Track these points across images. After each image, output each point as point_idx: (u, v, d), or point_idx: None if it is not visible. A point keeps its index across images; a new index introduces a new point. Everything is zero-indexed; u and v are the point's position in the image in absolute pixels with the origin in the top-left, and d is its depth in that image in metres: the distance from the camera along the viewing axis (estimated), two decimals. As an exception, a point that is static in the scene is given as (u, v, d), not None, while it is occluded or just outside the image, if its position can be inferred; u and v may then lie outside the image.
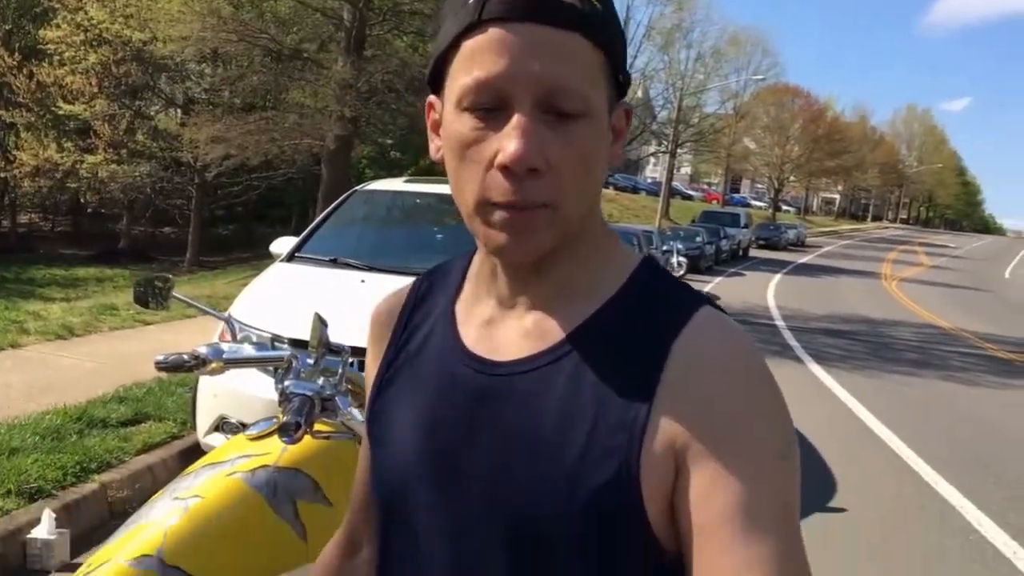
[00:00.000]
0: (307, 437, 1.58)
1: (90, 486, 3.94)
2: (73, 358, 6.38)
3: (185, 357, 1.68)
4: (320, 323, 1.53)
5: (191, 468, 1.64)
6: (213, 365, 1.70)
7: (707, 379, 0.78)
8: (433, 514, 0.86)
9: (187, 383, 5.28)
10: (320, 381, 1.55)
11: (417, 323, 0.95)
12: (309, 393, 1.50)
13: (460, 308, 0.92)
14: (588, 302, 0.85)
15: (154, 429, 4.75)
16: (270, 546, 1.54)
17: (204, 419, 4.25)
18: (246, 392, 3.93)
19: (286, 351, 1.70)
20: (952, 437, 7.06)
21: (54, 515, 3.51)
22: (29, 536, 3.45)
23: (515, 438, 0.82)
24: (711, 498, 0.74)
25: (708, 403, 0.77)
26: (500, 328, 0.88)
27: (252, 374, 3.92)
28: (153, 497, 1.60)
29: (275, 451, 1.58)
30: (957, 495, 5.48)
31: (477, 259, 0.93)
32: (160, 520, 1.48)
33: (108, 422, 4.71)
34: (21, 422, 4.50)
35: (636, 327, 0.82)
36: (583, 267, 0.86)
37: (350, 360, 1.68)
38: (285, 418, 1.46)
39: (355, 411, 1.62)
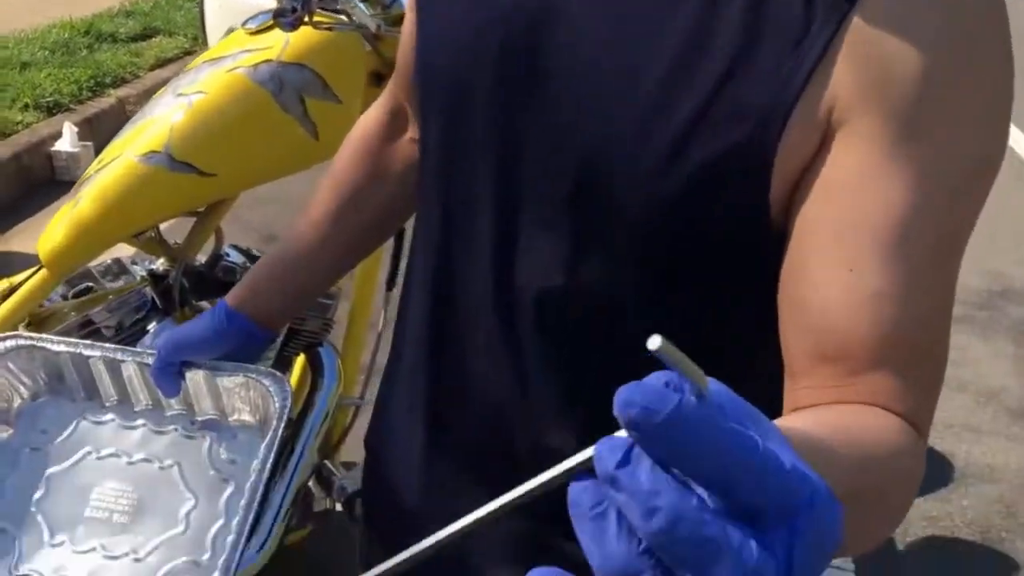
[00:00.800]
0: (309, 31, 1.47)
1: (107, 100, 3.92)
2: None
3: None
4: None
5: (192, 64, 1.56)
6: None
7: (918, 25, 0.54)
8: (484, 126, 0.67)
9: (193, -4, 5.07)
10: (317, -36, 1.41)
11: None
12: (305, -23, 1.37)
13: None
14: None
15: (165, 44, 4.63)
16: (281, 144, 1.50)
17: (214, 33, 4.10)
18: (252, 1, 3.75)
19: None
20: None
21: (75, 128, 3.52)
22: (53, 149, 3.49)
23: (610, 68, 0.59)
24: (860, 192, 0.54)
25: (905, 60, 0.53)
26: None
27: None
28: (156, 94, 1.54)
29: (277, 45, 1.48)
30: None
31: None
32: (165, 116, 1.43)
33: (117, 37, 4.59)
34: (28, 36, 4.38)
35: None
36: None
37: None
38: (280, 4, 1.34)
39: (357, 1, 1.50)
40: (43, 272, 1.41)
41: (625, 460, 0.31)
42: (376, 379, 2.10)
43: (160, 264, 1.64)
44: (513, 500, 0.33)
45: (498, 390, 0.71)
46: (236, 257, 1.70)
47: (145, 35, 4.73)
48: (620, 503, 0.31)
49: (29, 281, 1.42)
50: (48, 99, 3.73)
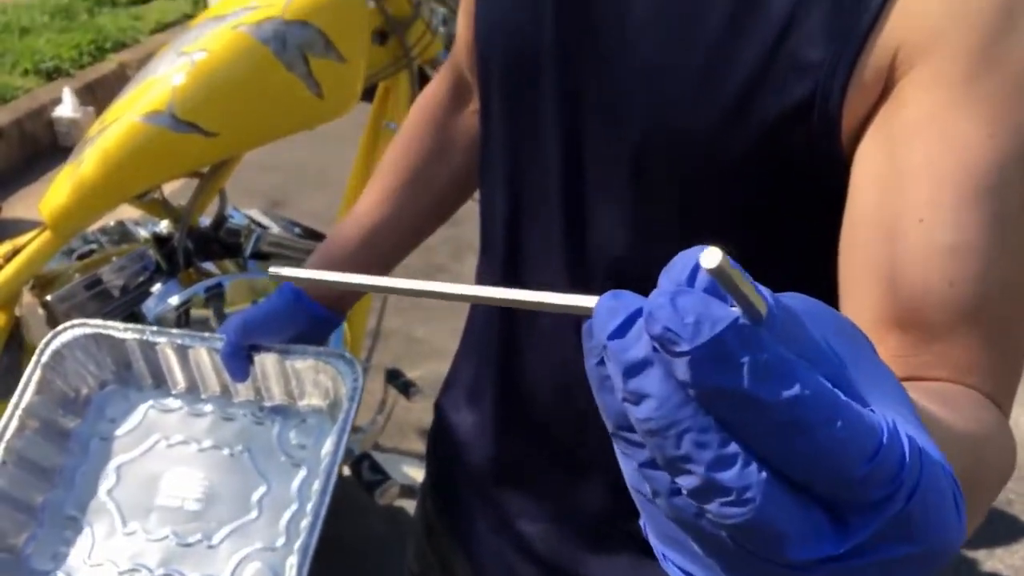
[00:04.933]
0: (312, -14, 1.46)
1: (107, 65, 3.88)
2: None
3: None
4: None
5: (194, 22, 1.54)
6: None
7: None
8: (545, 91, 0.64)
9: (193, -41, 5.00)
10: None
11: None
12: (308, -70, 1.35)
13: None
14: None
15: (166, 8, 4.59)
16: (285, 103, 1.48)
17: (215, -4, 4.08)
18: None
19: None
20: None
21: (75, 93, 3.49)
22: (55, 115, 3.46)
23: (664, 28, 0.57)
24: (931, 135, 0.48)
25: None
26: None
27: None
28: (159, 51, 1.52)
29: (280, 2, 1.46)
30: None
31: None
32: (167, 76, 1.41)
33: (117, 1, 4.55)
34: (26, 1, 4.33)
35: None
36: None
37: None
38: (284, -42, 1.33)
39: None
40: (47, 233, 1.40)
41: (621, 331, 0.26)
42: (381, 343, 2.10)
43: (164, 226, 1.63)
44: (505, 300, 0.31)
45: (573, 359, 0.70)
46: (240, 219, 1.69)
47: (145, -1, 4.69)
48: (609, 370, 0.26)
49: (33, 243, 1.41)
50: (48, 64, 3.70)
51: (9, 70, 3.61)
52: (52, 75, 3.68)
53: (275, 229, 1.70)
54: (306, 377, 0.83)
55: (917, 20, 0.49)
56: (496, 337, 0.75)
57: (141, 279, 1.51)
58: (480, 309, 0.79)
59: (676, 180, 0.58)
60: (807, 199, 0.56)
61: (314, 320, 0.86)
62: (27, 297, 1.48)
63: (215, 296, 1.49)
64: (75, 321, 0.84)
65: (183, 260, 1.54)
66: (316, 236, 1.79)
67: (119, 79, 3.87)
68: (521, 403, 0.75)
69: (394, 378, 1.95)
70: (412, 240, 0.91)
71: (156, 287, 1.50)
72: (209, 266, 1.56)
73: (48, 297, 1.43)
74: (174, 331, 0.84)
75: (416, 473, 2.02)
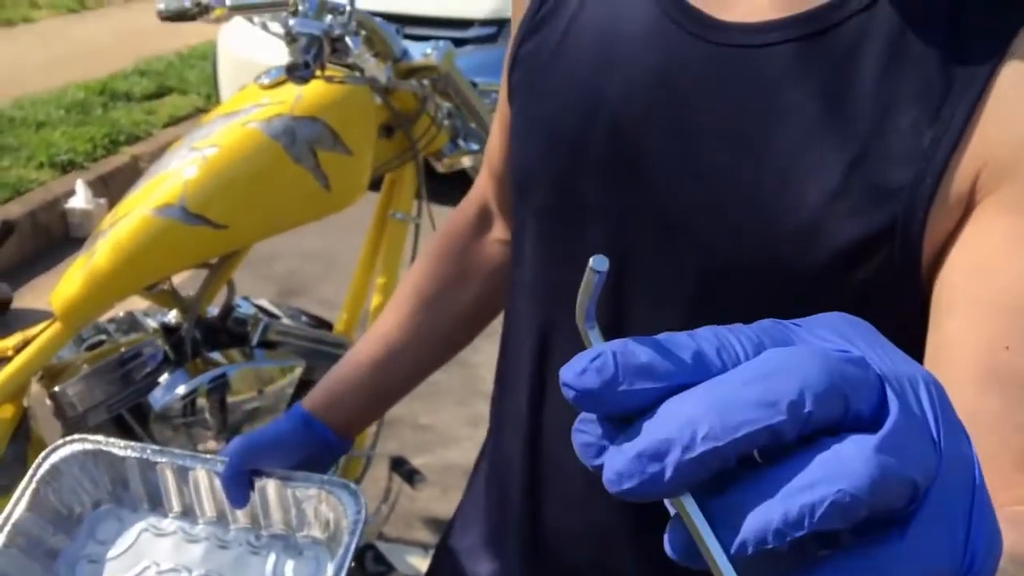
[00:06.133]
0: (321, 84, 1.50)
1: (121, 158, 3.97)
2: (88, 32, 6.20)
3: (187, 3, 1.56)
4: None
5: (205, 118, 1.59)
6: (217, 12, 1.58)
7: None
8: (591, 224, 0.62)
9: (207, 56, 5.16)
10: (328, 19, 1.44)
11: None
12: (316, 32, 1.39)
13: None
14: None
15: (179, 102, 4.71)
16: (293, 195, 1.52)
17: (228, 91, 4.18)
18: (266, 61, 3.81)
19: (293, -5, 1.58)
20: None
21: (88, 185, 3.56)
22: (67, 206, 3.53)
23: (731, 147, 0.55)
24: (1013, 263, 0.48)
25: None
26: None
27: (271, 43, 3.77)
28: (170, 147, 1.56)
29: (289, 99, 1.51)
30: None
31: None
32: (179, 170, 1.45)
33: (131, 96, 4.67)
34: (44, 97, 4.46)
35: None
36: None
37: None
38: (292, 58, 1.37)
39: (368, 56, 1.53)
40: (57, 325, 1.42)
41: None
42: (386, 430, 2.10)
43: (172, 316, 1.65)
44: None
45: (601, 506, 0.67)
46: (247, 309, 1.71)
47: (159, 94, 4.81)
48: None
49: (43, 334, 1.42)
50: (63, 157, 3.78)
51: (24, 163, 3.69)
52: (66, 168, 3.76)
53: (283, 318, 1.72)
54: (307, 506, 0.80)
55: (1000, 144, 0.49)
56: (518, 479, 0.72)
57: (149, 369, 1.52)
58: (501, 440, 0.75)
59: (740, 306, 0.55)
60: (880, 322, 0.56)
61: (322, 446, 0.84)
62: (35, 387, 1.49)
63: (220, 386, 1.50)
64: (75, 436, 0.83)
65: (191, 350, 1.55)
66: (324, 324, 1.81)
67: (132, 172, 3.95)
68: (550, 548, 0.71)
69: (399, 466, 1.94)
70: (430, 365, 0.89)
71: (164, 377, 1.51)
72: (216, 356, 1.57)
73: (56, 388, 1.44)
74: (176, 451, 0.82)
75: (421, 563, 1.99)
